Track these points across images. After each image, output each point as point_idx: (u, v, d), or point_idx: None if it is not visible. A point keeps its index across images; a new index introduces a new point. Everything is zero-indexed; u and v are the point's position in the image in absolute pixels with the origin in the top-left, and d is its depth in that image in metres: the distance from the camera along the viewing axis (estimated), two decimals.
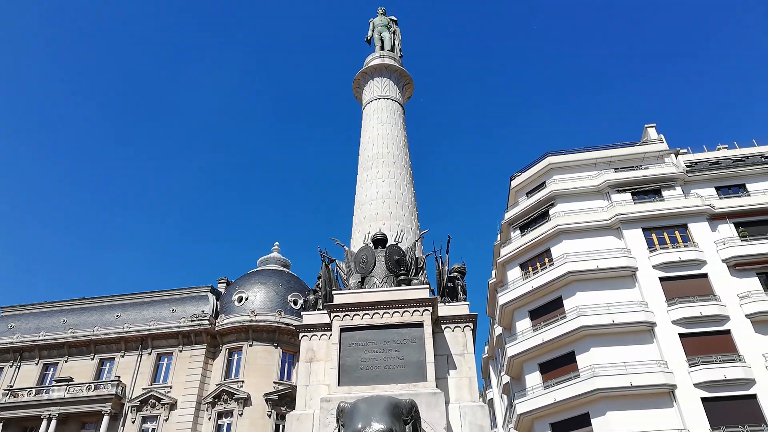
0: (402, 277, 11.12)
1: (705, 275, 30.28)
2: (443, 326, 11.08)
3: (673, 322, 28.90)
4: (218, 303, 36.71)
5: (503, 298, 35.20)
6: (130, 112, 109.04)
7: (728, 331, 28.32)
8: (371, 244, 11.89)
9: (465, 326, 11.07)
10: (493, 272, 40.44)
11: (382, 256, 11.54)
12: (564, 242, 33.25)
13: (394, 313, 10.59)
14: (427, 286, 11.13)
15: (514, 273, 35.89)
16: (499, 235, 40.33)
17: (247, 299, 35.67)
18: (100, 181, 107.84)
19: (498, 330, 39.07)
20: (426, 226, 13.34)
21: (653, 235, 32.41)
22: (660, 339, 28.68)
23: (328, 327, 10.92)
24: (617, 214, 33.09)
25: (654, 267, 31.05)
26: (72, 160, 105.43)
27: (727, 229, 31.71)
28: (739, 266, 30.00)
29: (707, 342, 28.11)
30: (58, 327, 36.07)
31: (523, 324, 33.60)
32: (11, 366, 34.91)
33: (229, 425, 31.39)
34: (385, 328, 10.49)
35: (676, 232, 32.31)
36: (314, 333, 11.25)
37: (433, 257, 12.03)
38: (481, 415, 10.00)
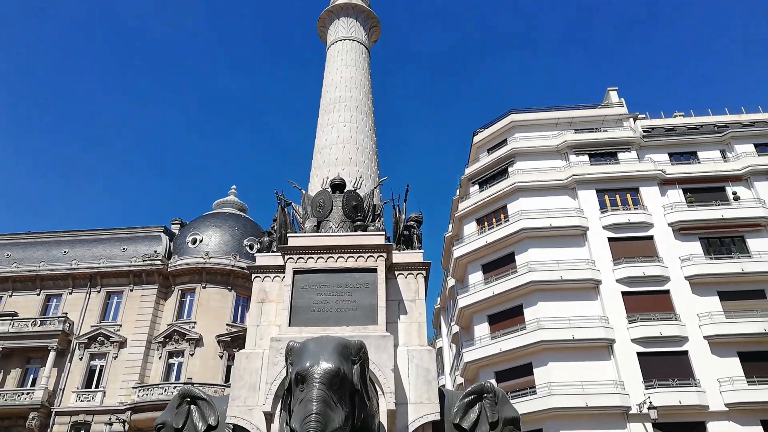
0: (358, 223, 11.07)
1: (651, 237, 31.49)
2: (397, 273, 11.16)
3: (617, 281, 30.13)
4: (171, 244, 36.08)
5: (458, 252, 35.85)
6: (85, 42, 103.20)
7: (668, 291, 29.74)
8: (329, 189, 11.74)
9: (418, 273, 11.18)
10: (450, 226, 40.99)
11: (339, 201, 11.44)
12: (520, 199, 33.84)
13: (348, 257, 10.58)
14: (383, 233, 11.12)
15: (471, 228, 36.47)
16: (458, 190, 40.70)
17: (201, 241, 35.16)
18: (51, 111, 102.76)
19: (451, 282, 39.99)
20: (386, 175, 13.24)
21: (606, 197, 33.30)
22: (604, 296, 29.91)
23: (281, 269, 10.84)
24: (573, 175, 33.75)
25: (604, 227, 32.06)
26: (21, 88, 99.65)
27: (676, 195, 32.86)
28: (683, 230, 31.28)
29: (647, 301, 29.50)
30: (1, 261, 34.85)
31: (476, 277, 34.42)
32: None
33: (180, 365, 31.44)
34: (339, 272, 10.49)
35: (628, 195, 33.27)
36: (267, 274, 11.16)
37: (390, 205, 12.01)
38: (428, 359, 10.24)
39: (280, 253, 10.85)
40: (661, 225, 31.70)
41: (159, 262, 33.70)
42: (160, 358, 31.75)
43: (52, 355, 30.97)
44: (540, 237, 32.11)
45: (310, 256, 10.60)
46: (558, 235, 32.05)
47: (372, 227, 11.28)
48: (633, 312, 29.20)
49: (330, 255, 10.60)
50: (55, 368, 31.12)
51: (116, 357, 31.58)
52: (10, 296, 33.74)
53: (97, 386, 31.02)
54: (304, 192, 12.25)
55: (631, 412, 26.66)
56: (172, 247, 35.77)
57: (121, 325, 32.48)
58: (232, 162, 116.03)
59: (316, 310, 10.19)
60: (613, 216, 32.17)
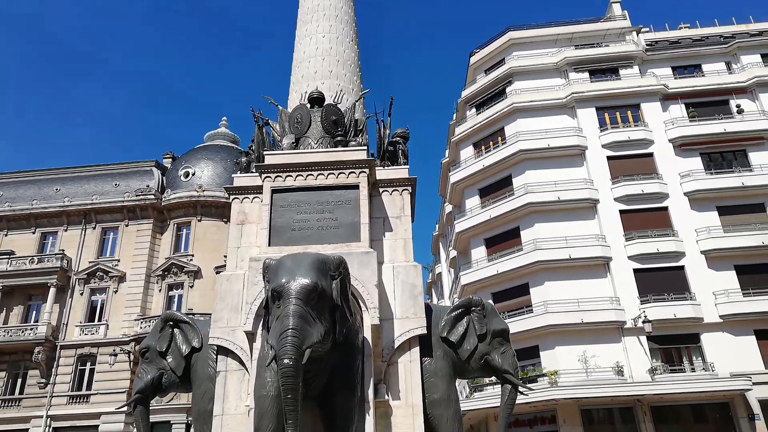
0: (339, 138, 10.49)
1: (651, 155, 30.88)
2: (381, 190, 10.70)
3: (616, 199, 29.83)
4: (164, 178, 35.59)
5: (455, 177, 35.36)
6: None
7: (666, 208, 29.48)
8: (307, 104, 11.06)
9: (403, 189, 10.73)
10: (447, 152, 40.31)
11: (318, 116, 10.79)
12: (518, 121, 32.97)
13: (328, 174, 10.09)
14: (365, 148, 10.55)
15: (467, 152, 35.80)
16: (455, 114, 39.71)
17: (194, 174, 34.65)
18: (36, 43, 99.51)
19: (449, 208, 39.74)
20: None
21: (606, 115, 32.41)
22: (601, 215, 29.69)
23: (260, 189, 10.37)
24: (573, 93, 32.69)
25: (603, 146, 31.38)
26: (7, 22, 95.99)
27: (678, 110, 31.93)
28: (684, 146, 30.61)
29: (645, 218, 29.29)
30: None
31: (473, 201, 34.12)
32: None
33: (180, 296, 31.76)
34: (319, 190, 10.03)
35: (629, 112, 32.35)
36: (246, 196, 10.72)
37: (374, 120, 11.38)
38: (414, 274, 9.97)
39: (257, 173, 10.36)
40: (661, 141, 30.98)
41: (152, 197, 33.34)
42: (160, 291, 32.02)
43: (52, 291, 31.22)
44: (538, 158, 31.51)
45: (288, 174, 10.11)
46: (556, 155, 31.43)
47: (353, 143, 10.71)
48: (630, 230, 29.07)
49: (309, 172, 10.11)
50: (57, 304, 31.47)
51: (116, 291, 31.85)
52: (6, 235, 33.67)
53: (99, 320, 31.50)
54: (281, 108, 11.59)
55: (626, 327, 27.07)
56: (164, 182, 35.32)
57: (119, 260, 32.55)
58: (223, 93, 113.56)
59: (296, 229, 9.81)
60: (613, 134, 31.41)
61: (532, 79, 34.56)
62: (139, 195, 33.37)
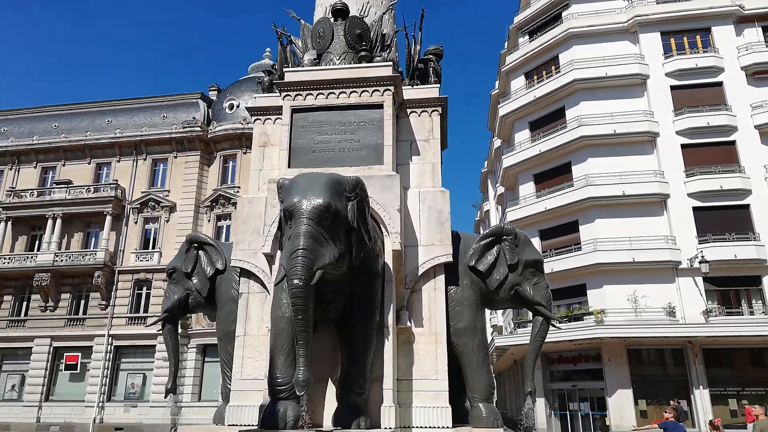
0: (363, 54, 9.79)
1: (720, 84, 28.45)
2: (409, 111, 10.04)
3: (677, 133, 27.89)
4: (210, 110, 35.70)
5: (504, 109, 33.90)
6: None
7: (733, 142, 27.40)
8: (330, 18, 10.34)
9: (433, 111, 10.03)
10: (497, 83, 38.52)
11: (341, 30, 10.08)
12: (574, 48, 30.85)
13: (351, 92, 9.49)
14: (391, 64, 9.80)
15: (518, 82, 34.08)
16: (506, 43, 37.61)
17: (238, 107, 34.56)
18: None
19: (497, 143, 38.36)
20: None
21: (672, 40, 29.84)
22: (661, 150, 27.92)
23: (281, 110, 9.93)
24: (636, 16, 30.13)
25: (667, 75, 29.07)
26: None
27: (754, 34, 29.03)
28: (758, 74, 28.00)
29: (709, 153, 27.34)
30: (51, 131, 35.69)
31: (522, 135, 32.76)
32: (10, 169, 35.32)
33: (228, 227, 32.38)
34: (342, 109, 9.48)
35: (698, 37, 29.64)
36: (268, 117, 10.31)
37: (403, 34, 10.56)
38: (441, 200, 9.43)
39: (278, 92, 9.88)
40: (732, 69, 28.38)
41: (198, 129, 33.62)
42: (209, 221, 32.78)
43: (108, 219, 32.49)
44: (594, 88, 29.58)
45: (308, 92, 9.58)
46: (614, 85, 29.41)
47: (378, 58, 9.99)
48: (692, 165, 27.26)
49: (330, 90, 9.54)
50: (113, 231, 32.79)
51: (168, 221, 32.84)
52: (64, 165, 34.98)
53: (153, 247, 32.71)
54: (303, 23, 10.89)
55: (681, 267, 25.90)
56: (210, 114, 35.46)
57: (169, 191, 33.37)
58: (266, 24, 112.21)
59: (317, 150, 9.39)
60: (679, 61, 28.97)
61: (590, 1, 31.98)
62: (186, 127, 33.70)
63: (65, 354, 31.64)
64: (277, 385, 7.54)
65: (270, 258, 8.85)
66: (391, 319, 8.29)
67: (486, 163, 49.41)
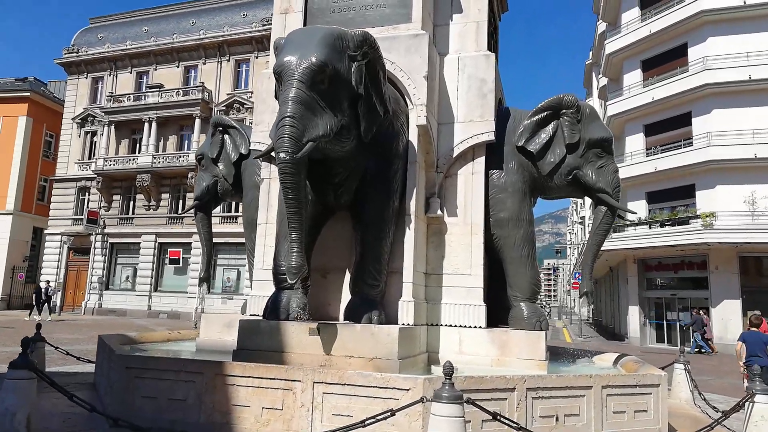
0: None
1: None
2: None
3: None
4: None
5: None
6: None
7: None
8: None
9: None
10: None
11: None
12: None
13: None
14: None
15: (631, 14, 28.95)
16: None
17: None
18: None
19: (602, 27, 33.94)
20: None
21: None
22: None
23: None
24: None
25: None
26: None
27: None
28: None
29: None
30: (141, 36, 36.41)
31: (630, 15, 28.47)
32: (109, 75, 36.83)
33: None
34: None
35: None
36: None
37: None
38: (485, 66, 7.83)
39: None
40: None
41: None
42: None
43: (197, 122, 33.27)
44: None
45: None
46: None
47: None
48: None
49: None
50: (204, 134, 33.64)
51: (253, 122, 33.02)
52: (155, 69, 35.84)
53: None
54: None
55: None
56: None
57: (252, 92, 33.28)
58: None
59: (336, 11, 8.06)
60: None
61: None
62: (266, 25, 32.81)
63: (169, 249, 34.04)
64: (280, 274, 6.85)
65: None
66: (413, 205, 7.16)
67: (591, 54, 44.52)
